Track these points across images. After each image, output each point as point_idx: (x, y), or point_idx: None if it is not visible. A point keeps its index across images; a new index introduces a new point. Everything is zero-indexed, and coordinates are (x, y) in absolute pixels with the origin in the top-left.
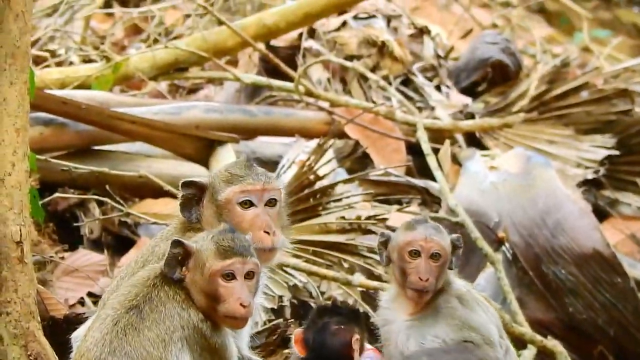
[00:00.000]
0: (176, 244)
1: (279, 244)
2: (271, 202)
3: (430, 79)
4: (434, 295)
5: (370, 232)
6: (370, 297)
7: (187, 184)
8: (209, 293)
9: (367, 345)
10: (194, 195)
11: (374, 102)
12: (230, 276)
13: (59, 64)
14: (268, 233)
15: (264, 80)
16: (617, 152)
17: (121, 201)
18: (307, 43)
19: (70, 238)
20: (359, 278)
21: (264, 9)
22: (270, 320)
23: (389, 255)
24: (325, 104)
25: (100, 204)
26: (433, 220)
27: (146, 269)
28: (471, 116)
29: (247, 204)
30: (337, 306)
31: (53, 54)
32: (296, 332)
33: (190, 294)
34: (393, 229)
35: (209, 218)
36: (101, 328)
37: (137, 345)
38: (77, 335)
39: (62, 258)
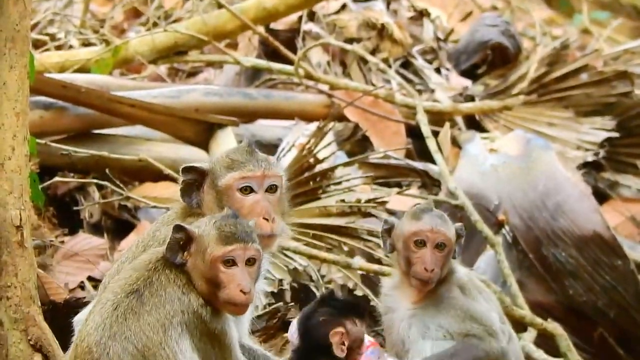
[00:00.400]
0: (178, 228)
1: (278, 231)
2: (272, 189)
3: (430, 62)
4: (437, 283)
5: (370, 215)
6: (370, 280)
7: (188, 169)
8: (209, 278)
9: (368, 339)
10: (195, 180)
11: (373, 84)
12: (231, 262)
13: (58, 48)
14: (267, 220)
15: (263, 63)
16: (617, 135)
17: (121, 185)
18: (307, 26)
19: (70, 222)
20: (358, 261)
21: None
22: (270, 304)
23: (393, 243)
24: (325, 87)
25: (100, 187)
26: (435, 203)
27: (147, 252)
28: (471, 99)
29: (247, 190)
30: (334, 297)
31: (53, 37)
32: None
33: (191, 278)
34: (393, 212)
35: (210, 203)
36: (101, 312)
37: (137, 330)
38: (78, 319)
39: (62, 242)
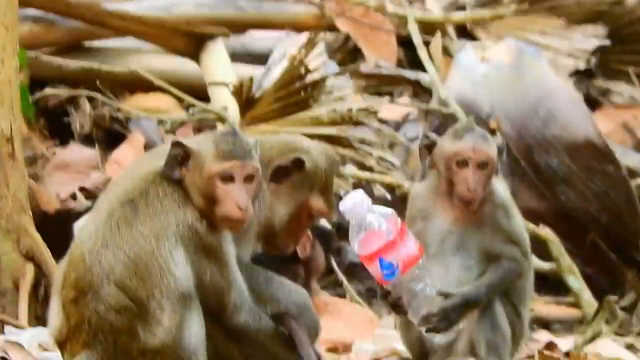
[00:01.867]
0: (176, 144)
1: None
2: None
3: None
4: (482, 205)
5: (361, 124)
6: (361, 188)
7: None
8: (206, 194)
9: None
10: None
11: None
12: (228, 179)
13: None
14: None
15: None
16: (608, 42)
17: (112, 96)
18: None
19: (61, 133)
20: (351, 169)
21: None
22: None
23: (433, 160)
24: None
25: (91, 99)
26: (426, 112)
27: (147, 164)
28: (462, 8)
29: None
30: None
31: None
32: None
33: (189, 194)
34: (384, 121)
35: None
36: (96, 221)
37: (129, 240)
38: (78, 226)
39: (54, 153)
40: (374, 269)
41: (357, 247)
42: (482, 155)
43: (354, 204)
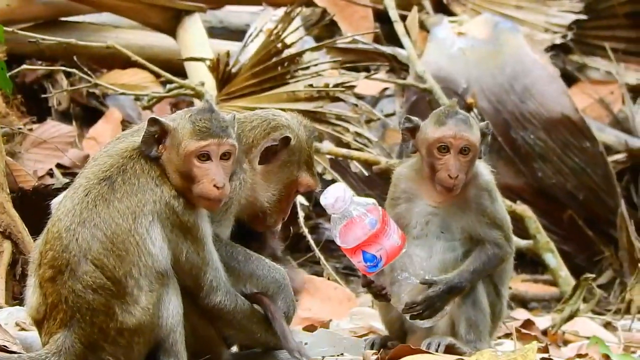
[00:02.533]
0: (153, 121)
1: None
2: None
3: None
4: (465, 188)
5: (338, 99)
6: (338, 164)
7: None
8: (183, 172)
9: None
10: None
11: None
12: (205, 157)
13: None
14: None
15: None
16: (585, 17)
17: (89, 72)
18: None
19: (38, 110)
20: (327, 145)
21: None
22: None
23: (415, 145)
24: None
25: (68, 75)
26: (403, 87)
27: (125, 141)
28: None
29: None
30: None
31: None
32: None
33: (166, 171)
34: (361, 97)
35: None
36: (73, 198)
37: (106, 217)
38: (56, 203)
39: (31, 130)
40: (357, 261)
41: (339, 240)
42: (464, 141)
43: (336, 197)
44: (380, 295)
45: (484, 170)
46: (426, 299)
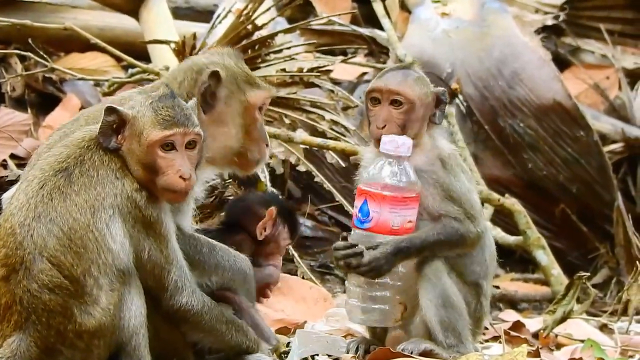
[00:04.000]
0: (110, 110)
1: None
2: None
3: None
4: (415, 154)
5: (313, 85)
6: (313, 155)
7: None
8: (146, 164)
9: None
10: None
11: None
12: (169, 146)
13: None
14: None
15: None
16: None
17: (45, 56)
18: None
19: None
20: (301, 134)
21: None
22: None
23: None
24: None
25: (23, 59)
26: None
27: (82, 130)
28: None
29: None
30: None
31: None
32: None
33: (127, 162)
34: (338, 82)
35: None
36: (27, 191)
37: (63, 211)
38: (7, 197)
39: None
40: (355, 205)
41: (369, 175)
42: (394, 92)
43: (401, 143)
44: (342, 265)
45: (442, 141)
46: (372, 258)
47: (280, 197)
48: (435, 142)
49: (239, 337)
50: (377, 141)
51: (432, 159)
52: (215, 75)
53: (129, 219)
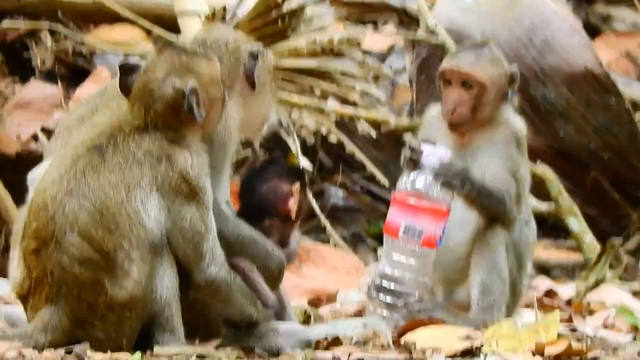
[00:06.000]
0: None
1: None
2: None
3: None
4: (491, 128)
5: (343, 55)
6: (344, 125)
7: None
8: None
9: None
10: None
11: None
12: None
13: None
14: None
15: None
16: None
17: (75, 29)
18: None
19: (21, 69)
20: (332, 104)
21: None
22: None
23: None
24: None
25: (53, 32)
26: (413, 42)
27: (111, 105)
28: None
29: None
30: (279, 161)
31: None
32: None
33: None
34: (368, 52)
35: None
36: (59, 167)
37: (95, 188)
38: (33, 177)
39: (13, 91)
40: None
41: (409, 185)
42: (464, 75)
43: (439, 157)
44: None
45: (515, 119)
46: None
47: (281, 162)
48: (509, 121)
49: (250, 308)
50: (449, 125)
51: (508, 135)
52: (256, 52)
53: (170, 195)
